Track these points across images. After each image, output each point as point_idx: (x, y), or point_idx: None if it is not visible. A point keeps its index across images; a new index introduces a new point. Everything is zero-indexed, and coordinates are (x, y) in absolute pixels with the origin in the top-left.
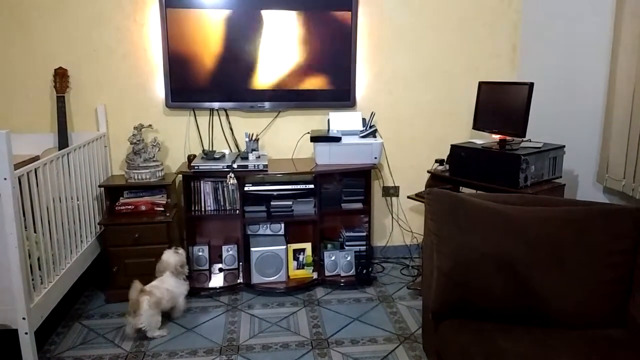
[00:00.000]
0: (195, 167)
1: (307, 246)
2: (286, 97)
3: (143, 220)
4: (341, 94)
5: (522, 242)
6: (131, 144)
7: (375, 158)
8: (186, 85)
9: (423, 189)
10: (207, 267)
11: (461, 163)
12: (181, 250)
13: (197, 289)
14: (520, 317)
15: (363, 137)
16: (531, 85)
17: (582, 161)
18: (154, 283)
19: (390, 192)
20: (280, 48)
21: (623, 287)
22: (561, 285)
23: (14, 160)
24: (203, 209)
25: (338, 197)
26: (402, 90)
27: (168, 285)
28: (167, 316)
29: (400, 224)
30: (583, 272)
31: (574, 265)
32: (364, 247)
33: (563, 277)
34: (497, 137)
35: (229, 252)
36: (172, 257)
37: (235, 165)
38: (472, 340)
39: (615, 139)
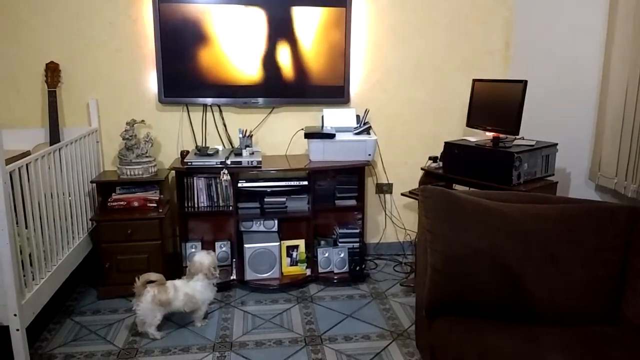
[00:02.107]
0: (189, 163)
1: (301, 243)
2: (280, 93)
3: (135, 217)
4: (335, 91)
5: (515, 239)
6: (123, 139)
7: (369, 155)
8: (179, 81)
9: (416, 186)
10: None
11: (455, 160)
12: (212, 252)
13: None
14: (513, 314)
15: (357, 133)
16: (525, 83)
17: (574, 159)
18: (176, 282)
19: (384, 189)
20: (275, 44)
21: (615, 284)
22: (553, 282)
23: (5, 155)
24: (196, 205)
25: (332, 194)
26: (396, 87)
27: (191, 289)
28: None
29: (393, 221)
30: (575, 269)
31: (566, 263)
32: (357, 244)
33: (555, 274)
34: (490, 134)
35: (222, 248)
36: (205, 258)
37: (228, 162)
38: (465, 337)
39: (607, 137)
